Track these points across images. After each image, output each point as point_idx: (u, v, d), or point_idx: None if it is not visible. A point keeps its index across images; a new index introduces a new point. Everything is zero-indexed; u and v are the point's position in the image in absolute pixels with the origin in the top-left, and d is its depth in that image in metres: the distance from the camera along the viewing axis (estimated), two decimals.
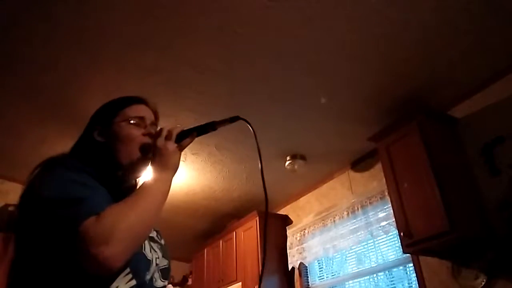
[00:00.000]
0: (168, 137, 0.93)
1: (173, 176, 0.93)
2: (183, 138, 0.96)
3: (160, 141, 0.92)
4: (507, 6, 2.13)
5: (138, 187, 0.88)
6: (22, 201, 0.85)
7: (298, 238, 3.96)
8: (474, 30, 2.28)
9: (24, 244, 0.83)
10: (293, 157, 3.48)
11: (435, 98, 2.82)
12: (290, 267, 3.96)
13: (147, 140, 0.97)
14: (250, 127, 0.99)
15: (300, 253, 3.88)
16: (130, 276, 0.81)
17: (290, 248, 4.03)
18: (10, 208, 3.67)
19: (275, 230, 4.15)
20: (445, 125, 2.77)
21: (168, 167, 0.91)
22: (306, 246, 3.83)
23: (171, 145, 0.92)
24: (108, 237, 0.70)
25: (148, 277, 0.87)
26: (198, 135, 0.99)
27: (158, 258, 0.92)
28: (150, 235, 0.95)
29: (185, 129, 0.97)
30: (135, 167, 0.95)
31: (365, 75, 2.59)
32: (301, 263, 3.87)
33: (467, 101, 2.77)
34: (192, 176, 3.80)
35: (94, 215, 0.73)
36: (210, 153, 3.43)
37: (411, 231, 2.47)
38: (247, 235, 4.13)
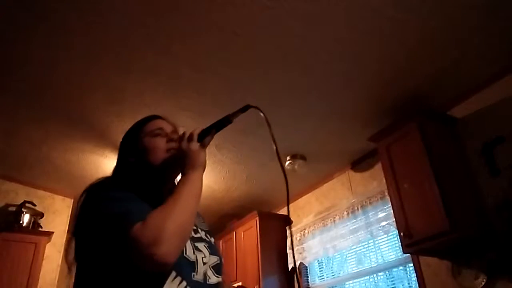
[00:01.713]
0: (190, 139, 1.01)
1: (203, 173, 1.00)
2: (204, 136, 1.02)
3: (184, 144, 1.00)
4: (507, 6, 2.13)
5: (174, 189, 0.94)
6: (78, 224, 0.94)
7: (298, 238, 3.97)
8: (474, 30, 2.28)
9: (84, 260, 0.92)
10: (293, 157, 3.48)
11: (435, 98, 2.82)
12: (290, 267, 3.96)
13: (171, 145, 1.05)
14: (262, 114, 1.04)
15: (300, 253, 3.88)
16: (179, 278, 0.87)
17: (290, 248, 4.02)
18: (10, 208, 3.68)
19: (275, 230, 4.14)
20: (445, 125, 2.77)
21: (196, 166, 0.98)
22: (306, 246, 3.84)
23: (195, 145, 1.00)
24: (158, 237, 0.77)
25: (198, 277, 0.92)
26: (217, 131, 1.05)
27: (205, 257, 0.97)
28: (195, 235, 1.01)
29: (203, 128, 1.03)
30: (167, 167, 1.03)
31: (365, 75, 2.59)
32: (301, 263, 3.87)
33: (467, 101, 2.77)
34: None
35: (140, 221, 0.80)
36: (210, 153, 3.43)
37: (411, 231, 2.47)
38: (247, 235, 4.13)
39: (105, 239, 0.84)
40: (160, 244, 0.77)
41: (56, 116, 2.91)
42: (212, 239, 1.09)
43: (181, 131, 1.06)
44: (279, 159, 1.10)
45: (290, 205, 3.82)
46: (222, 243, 4.50)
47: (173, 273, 0.86)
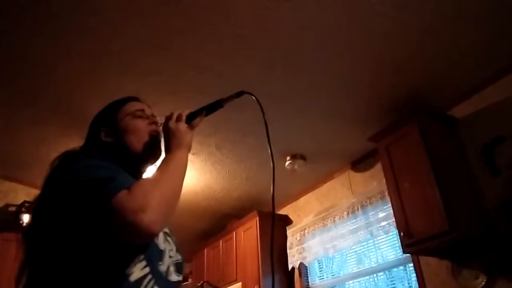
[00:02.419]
0: (178, 119, 1.01)
1: (188, 154, 0.98)
2: (193, 118, 1.03)
3: (172, 123, 1.00)
4: (507, 6, 2.13)
5: (160, 164, 0.92)
6: (46, 190, 0.86)
7: (298, 238, 3.97)
8: (474, 30, 2.28)
9: (45, 231, 0.83)
10: (293, 157, 3.48)
11: (435, 98, 2.82)
12: (290, 267, 3.96)
13: (154, 127, 1.04)
14: (257, 101, 1.06)
15: (300, 253, 3.88)
16: (144, 262, 0.83)
17: (290, 248, 4.03)
18: (10, 208, 3.68)
19: (275, 230, 4.14)
20: (445, 125, 2.78)
21: (182, 146, 0.97)
22: (306, 246, 3.84)
23: (183, 126, 1.00)
24: (144, 204, 0.74)
25: (162, 268, 0.88)
26: (207, 114, 1.05)
27: (172, 250, 0.94)
28: (164, 230, 0.96)
29: (193, 110, 1.04)
30: (150, 151, 1.01)
31: (365, 75, 2.59)
32: (301, 263, 3.87)
33: (467, 101, 2.77)
34: (192, 176, 3.80)
35: (125, 189, 0.76)
36: (210, 153, 3.43)
37: (411, 231, 2.47)
38: (247, 235, 4.13)
39: (80, 209, 0.76)
40: (145, 212, 0.73)
41: (56, 116, 2.91)
42: (175, 238, 1.03)
43: (157, 117, 1.05)
44: (269, 142, 1.09)
45: (290, 205, 3.83)
46: (222, 243, 4.50)
47: (141, 256, 0.83)
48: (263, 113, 1.05)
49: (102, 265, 0.79)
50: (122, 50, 2.35)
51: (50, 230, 0.82)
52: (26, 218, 3.60)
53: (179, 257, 0.98)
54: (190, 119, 1.02)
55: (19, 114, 2.89)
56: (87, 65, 2.45)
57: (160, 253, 0.89)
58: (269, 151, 1.06)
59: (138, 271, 0.81)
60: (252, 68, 2.51)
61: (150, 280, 0.83)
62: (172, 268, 0.92)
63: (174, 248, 0.96)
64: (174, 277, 0.92)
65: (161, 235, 0.91)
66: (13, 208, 3.67)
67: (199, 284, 1.00)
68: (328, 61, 2.47)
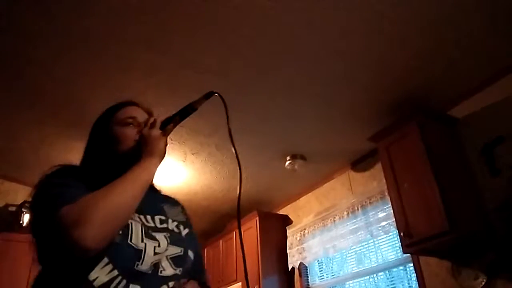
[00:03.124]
0: (152, 125, 1.00)
1: (159, 162, 0.98)
2: (167, 124, 1.01)
3: (145, 130, 1.00)
4: (507, 6, 2.13)
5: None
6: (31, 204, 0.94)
7: (298, 238, 3.97)
8: (474, 30, 2.28)
9: (36, 239, 0.91)
10: (293, 157, 3.48)
11: (435, 98, 2.82)
12: (290, 267, 3.96)
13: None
14: (222, 101, 1.05)
15: (300, 253, 3.88)
16: (110, 266, 0.82)
17: (290, 248, 4.03)
18: (10, 208, 3.67)
19: (275, 230, 4.15)
20: (445, 125, 2.78)
21: (152, 153, 0.96)
22: (306, 246, 3.84)
23: (155, 132, 0.98)
24: (81, 219, 0.75)
25: (143, 267, 0.86)
26: (181, 118, 1.04)
27: (159, 246, 0.91)
28: (153, 224, 0.96)
29: (167, 116, 1.02)
30: (132, 155, 0.99)
31: (365, 75, 2.59)
32: (301, 263, 3.87)
33: (467, 101, 2.77)
34: (192, 176, 3.80)
35: (71, 203, 0.79)
36: (210, 153, 3.43)
37: (411, 231, 2.48)
38: (247, 235, 4.13)
39: (39, 221, 0.85)
40: (81, 227, 0.74)
41: (56, 117, 2.91)
42: (186, 230, 1.05)
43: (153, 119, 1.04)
44: (232, 140, 1.10)
45: (290, 205, 3.82)
46: (222, 243, 4.50)
47: (105, 259, 0.82)
48: (228, 116, 1.06)
49: (67, 271, 0.82)
50: (122, 51, 2.35)
51: (37, 239, 0.89)
52: (26, 218, 3.60)
53: (178, 250, 0.96)
54: (165, 125, 1.01)
55: (19, 115, 2.88)
56: (87, 65, 2.45)
57: (137, 254, 0.86)
58: (234, 153, 1.09)
59: (103, 275, 0.81)
60: (252, 68, 2.51)
61: (120, 282, 0.83)
62: (165, 263, 0.91)
63: (165, 242, 0.93)
64: (169, 271, 0.91)
65: (136, 232, 0.89)
66: (13, 208, 3.66)
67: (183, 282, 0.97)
68: (328, 61, 2.47)
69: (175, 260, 0.94)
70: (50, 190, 0.87)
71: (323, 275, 3.80)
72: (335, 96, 2.79)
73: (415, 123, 2.62)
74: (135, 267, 0.85)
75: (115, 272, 0.82)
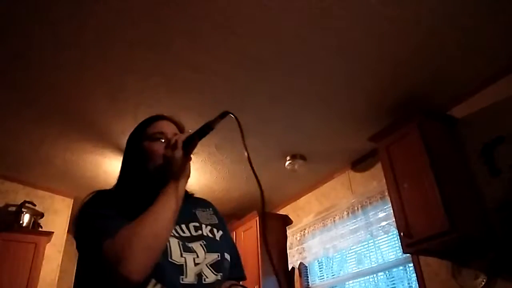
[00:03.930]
0: (174, 147, 0.98)
1: (185, 182, 1.00)
2: (188, 145, 1.00)
3: (168, 152, 0.98)
4: (507, 6, 2.13)
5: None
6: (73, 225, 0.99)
7: (298, 238, 3.97)
8: (474, 30, 2.28)
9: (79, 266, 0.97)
10: (293, 157, 3.48)
11: (435, 98, 2.82)
12: (290, 267, 3.96)
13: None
14: (236, 120, 1.02)
15: (300, 253, 3.88)
16: (159, 286, 0.86)
17: (290, 248, 4.03)
18: (10, 209, 3.68)
19: (275, 230, 4.15)
20: (445, 125, 2.77)
21: (179, 176, 0.97)
22: (306, 246, 3.84)
23: (178, 153, 0.97)
24: (123, 255, 0.78)
25: (188, 279, 0.90)
26: (200, 138, 1.03)
27: (198, 257, 0.95)
28: (189, 234, 0.99)
29: (187, 136, 1.01)
30: (159, 172, 1.00)
31: (365, 75, 2.59)
32: (301, 263, 3.87)
33: (467, 101, 2.77)
34: (192, 176, 3.75)
35: (111, 237, 0.81)
36: (210, 153, 3.43)
37: (411, 231, 2.47)
38: (247, 235, 4.13)
39: (86, 253, 0.89)
40: (123, 263, 0.77)
41: (56, 116, 2.91)
42: (220, 233, 1.07)
43: (184, 123, 1.05)
44: (250, 163, 1.07)
45: (290, 205, 3.81)
46: None
47: (153, 281, 0.85)
48: (242, 131, 1.02)
49: None
50: (122, 51, 2.35)
51: (80, 263, 0.95)
52: (26, 218, 3.60)
53: (215, 256, 0.99)
54: (186, 146, 1.00)
55: (19, 114, 2.88)
56: (87, 65, 2.45)
57: (179, 268, 0.90)
58: (252, 170, 1.05)
59: None
60: (252, 68, 2.51)
61: None
62: (207, 271, 0.94)
63: (203, 252, 0.97)
64: (212, 277, 0.95)
65: (175, 248, 0.92)
66: (13, 208, 3.66)
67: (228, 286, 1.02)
68: (328, 61, 2.47)
69: (215, 266, 0.97)
70: (90, 223, 0.90)
71: (323, 275, 3.80)
72: (335, 96, 2.79)
73: (415, 123, 2.62)
74: (181, 281, 0.89)
75: None
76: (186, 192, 1.14)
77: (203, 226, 1.05)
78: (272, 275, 3.84)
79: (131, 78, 2.57)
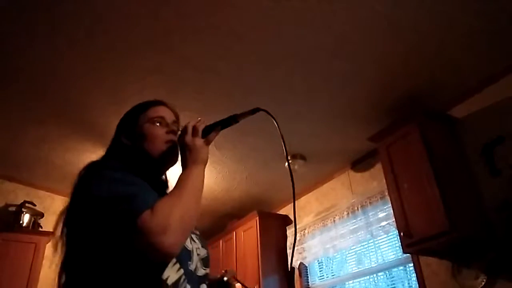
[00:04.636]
0: (194, 134, 0.99)
1: (204, 169, 1.00)
2: (209, 132, 1.01)
3: (188, 138, 0.98)
4: (507, 7, 2.13)
5: (177, 181, 0.93)
6: (74, 201, 0.90)
7: (298, 238, 3.96)
8: (474, 30, 2.28)
9: (78, 242, 0.88)
10: (293, 157, 3.48)
11: (435, 98, 2.82)
12: (290, 267, 3.96)
13: (170, 137, 1.04)
14: (272, 118, 1.04)
15: (300, 253, 3.88)
16: (178, 265, 0.87)
17: (290, 248, 4.03)
18: (10, 208, 3.68)
19: (275, 230, 4.14)
20: (445, 125, 2.77)
21: (199, 162, 0.97)
22: (306, 246, 3.84)
23: (199, 141, 0.99)
24: (166, 227, 0.77)
25: (192, 267, 0.92)
26: (222, 128, 1.04)
27: (198, 248, 0.98)
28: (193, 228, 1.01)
29: (208, 124, 1.02)
30: (165, 160, 1.03)
31: (365, 75, 2.59)
32: (301, 263, 3.87)
33: (467, 101, 2.77)
34: None
35: (148, 209, 0.79)
36: (210, 153, 3.39)
37: (411, 231, 2.47)
38: (247, 235, 4.13)
39: (108, 223, 0.81)
40: (168, 234, 0.77)
41: (56, 116, 2.91)
42: (198, 232, 1.07)
43: (182, 123, 1.05)
44: (288, 161, 1.09)
45: (290, 205, 3.77)
46: (222, 243, 4.50)
47: (174, 259, 0.86)
48: (278, 127, 1.05)
49: (138, 272, 0.83)
50: (123, 50, 2.35)
51: (84, 239, 0.86)
52: (26, 218, 3.60)
53: (205, 251, 1.01)
54: (206, 133, 1.01)
55: (19, 114, 2.89)
56: (88, 65, 2.45)
57: (189, 253, 0.93)
58: (287, 165, 1.07)
59: (173, 273, 0.86)
60: (252, 68, 2.51)
61: (184, 280, 0.88)
62: (199, 264, 0.96)
63: (200, 245, 1.00)
64: (201, 271, 0.97)
65: None
66: (13, 208, 3.67)
67: (219, 276, 1.03)
68: (328, 61, 2.47)
69: (204, 261, 0.99)
70: (120, 188, 0.84)
71: (323, 275, 3.80)
72: (335, 96, 2.79)
73: (415, 123, 2.62)
74: (188, 267, 0.91)
75: (182, 271, 0.88)
76: None
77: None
78: (273, 275, 3.84)
79: (131, 78, 2.57)
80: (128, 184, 0.86)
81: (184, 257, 0.90)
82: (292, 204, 4.27)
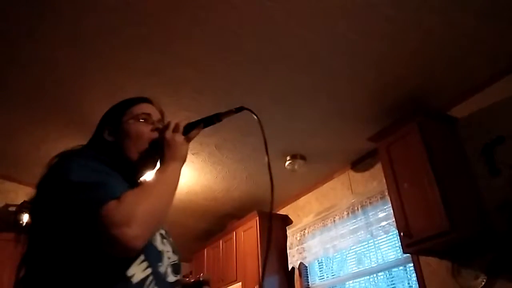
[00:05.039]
0: (175, 130, 0.97)
1: (182, 167, 0.97)
2: (190, 130, 1.00)
3: (168, 134, 0.97)
4: (507, 7, 2.13)
5: (153, 176, 0.91)
6: (41, 188, 0.87)
7: (298, 238, 3.96)
8: (474, 30, 2.28)
9: (42, 229, 0.84)
10: (293, 157, 3.48)
11: (435, 98, 2.82)
12: (290, 267, 3.96)
13: (155, 135, 1.01)
14: (255, 117, 1.02)
15: (300, 253, 3.88)
16: (146, 264, 0.83)
17: (290, 248, 4.03)
18: (10, 208, 3.68)
19: (275, 230, 4.14)
20: (445, 125, 2.77)
21: (177, 158, 0.95)
22: (306, 246, 3.84)
23: (179, 137, 0.97)
24: (130, 218, 0.74)
25: (162, 269, 0.88)
26: (205, 126, 1.03)
27: (169, 252, 0.94)
28: (160, 231, 0.96)
29: (190, 121, 1.01)
30: (145, 161, 0.99)
31: (365, 75, 2.59)
32: (301, 263, 3.87)
33: (467, 101, 2.77)
34: (192, 176, 3.80)
35: (115, 199, 0.76)
36: (210, 153, 3.43)
37: (411, 231, 2.47)
38: (247, 235, 4.13)
39: (73, 211, 0.77)
40: (129, 226, 0.73)
41: (56, 116, 2.91)
42: (171, 238, 1.03)
43: (167, 120, 1.03)
44: (269, 162, 1.09)
45: (290, 205, 3.81)
46: (222, 243, 4.50)
47: (141, 256, 0.83)
48: (261, 126, 1.04)
49: (101, 266, 0.78)
50: (122, 51, 2.35)
51: (47, 229, 0.82)
52: (26, 218, 3.60)
53: (176, 258, 0.97)
54: (188, 131, 0.99)
55: (19, 114, 2.88)
56: (87, 65, 2.45)
57: (159, 254, 0.89)
58: (268, 168, 1.06)
59: (140, 272, 0.82)
60: (252, 68, 2.51)
61: (152, 281, 0.83)
62: (169, 269, 0.92)
63: (171, 250, 0.96)
64: (171, 278, 0.92)
65: (158, 236, 0.92)
66: (13, 208, 3.66)
67: (193, 281, 0.99)
68: (328, 61, 2.47)
69: (174, 268, 0.94)
70: (88, 176, 0.81)
71: (323, 275, 3.80)
72: (335, 96, 2.79)
73: (415, 123, 2.62)
74: (158, 268, 0.87)
75: (149, 270, 0.84)
76: None
77: (165, 230, 1.02)
78: (273, 275, 3.84)
79: (131, 78, 2.57)
80: (99, 172, 0.84)
81: (153, 256, 0.86)
82: (292, 204, 4.28)
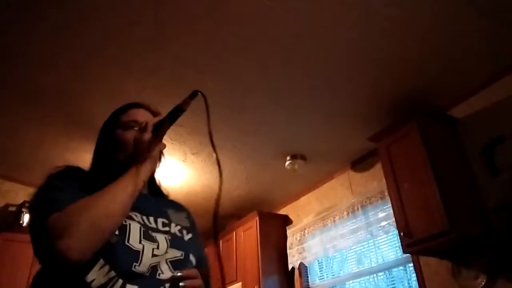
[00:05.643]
0: (143, 129, 0.96)
1: (151, 167, 0.96)
2: (158, 128, 0.98)
3: (136, 134, 0.97)
4: (507, 7, 2.13)
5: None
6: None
7: (298, 238, 3.96)
8: (474, 30, 2.28)
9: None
10: (293, 157, 3.48)
11: (435, 98, 2.82)
12: (290, 267, 3.96)
13: None
14: (204, 99, 0.99)
15: (300, 253, 3.88)
16: (107, 267, 0.82)
17: (290, 248, 4.03)
18: (10, 208, 3.68)
19: (275, 230, 4.15)
20: (445, 125, 2.78)
21: (142, 159, 0.94)
22: (306, 246, 3.84)
23: (146, 136, 0.95)
24: (63, 230, 0.75)
25: (140, 268, 0.85)
26: (171, 121, 1.00)
27: (157, 248, 0.90)
28: (156, 226, 0.95)
29: (159, 119, 0.99)
30: (130, 161, 0.97)
31: (365, 75, 2.59)
32: (301, 263, 3.87)
33: (467, 101, 2.77)
34: (192, 176, 3.80)
35: (59, 211, 0.79)
36: (210, 153, 3.42)
37: (411, 231, 2.47)
38: (247, 235, 4.13)
39: (32, 224, 0.84)
40: (64, 238, 0.74)
41: (56, 116, 2.91)
42: (189, 235, 1.02)
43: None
44: (213, 145, 1.09)
45: (290, 205, 3.81)
46: (222, 243, 4.50)
47: (101, 261, 0.81)
48: (208, 110, 1.01)
49: (60, 273, 0.81)
50: (122, 51, 2.35)
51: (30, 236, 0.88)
52: (26, 218, 3.60)
53: (178, 253, 0.94)
54: (156, 129, 0.97)
55: (19, 114, 2.88)
56: (87, 65, 2.45)
57: (134, 254, 0.85)
58: (215, 156, 1.07)
59: (100, 277, 0.80)
60: (252, 68, 2.51)
61: (117, 281, 0.82)
62: (164, 266, 0.89)
63: (165, 245, 0.92)
64: (168, 274, 0.89)
65: (135, 233, 0.88)
66: (13, 208, 3.66)
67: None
68: (328, 61, 2.47)
69: (175, 264, 0.91)
70: (45, 193, 0.87)
71: (323, 275, 3.80)
72: (335, 96, 2.79)
73: (415, 123, 2.62)
74: (132, 268, 0.84)
75: (113, 273, 0.82)
76: (160, 190, 1.13)
77: (172, 224, 1.01)
78: (273, 275, 3.84)
79: (131, 78, 2.57)
80: (56, 190, 0.87)
81: (123, 258, 0.83)
82: (292, 204, 4.28)
